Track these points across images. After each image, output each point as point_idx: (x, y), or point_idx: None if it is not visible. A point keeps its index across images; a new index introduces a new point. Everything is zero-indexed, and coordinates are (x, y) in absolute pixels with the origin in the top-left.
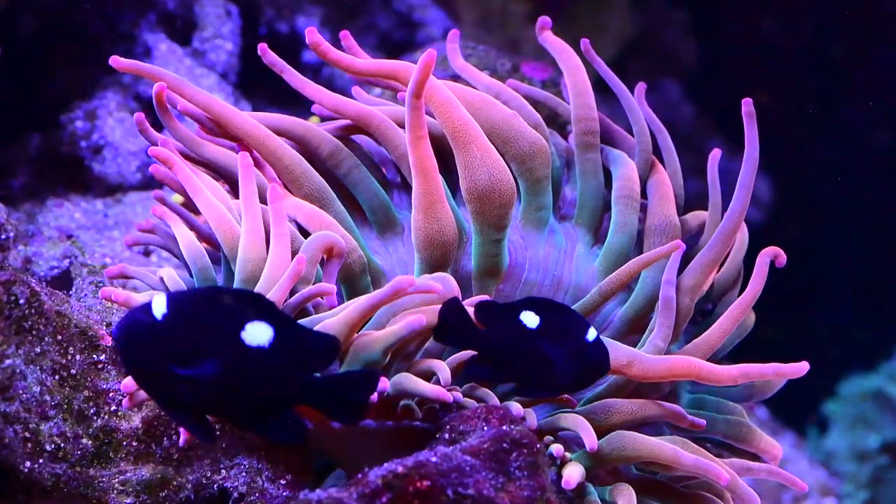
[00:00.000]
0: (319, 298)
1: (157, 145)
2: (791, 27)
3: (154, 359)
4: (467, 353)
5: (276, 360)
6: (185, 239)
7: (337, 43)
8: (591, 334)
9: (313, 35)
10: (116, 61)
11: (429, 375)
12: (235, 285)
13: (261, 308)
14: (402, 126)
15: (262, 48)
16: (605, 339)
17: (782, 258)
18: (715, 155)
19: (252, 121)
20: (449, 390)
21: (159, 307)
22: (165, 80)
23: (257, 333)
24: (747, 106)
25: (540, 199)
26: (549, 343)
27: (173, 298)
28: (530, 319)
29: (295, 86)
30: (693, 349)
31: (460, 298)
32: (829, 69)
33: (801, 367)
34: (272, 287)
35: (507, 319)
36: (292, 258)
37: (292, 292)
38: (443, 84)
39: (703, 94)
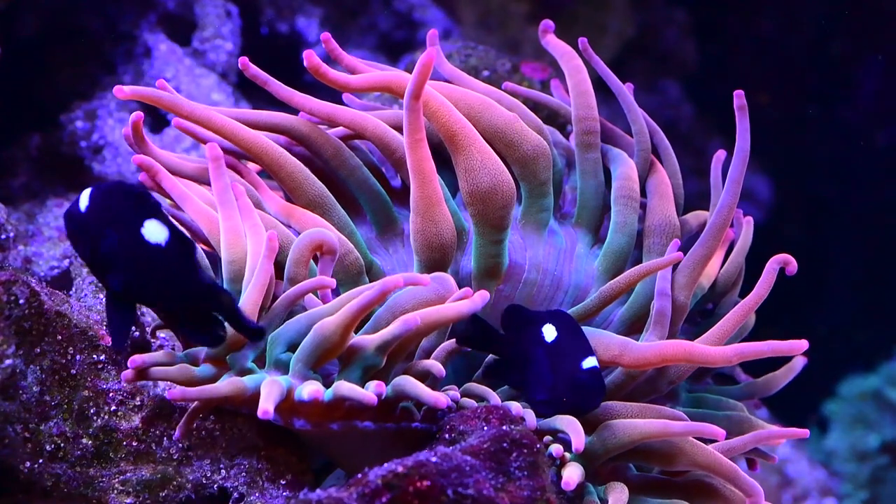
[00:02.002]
0: (312, 295)
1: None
2: (791, 27)
3: (82, 246)
4: (451, 344)
5: (171, 260)
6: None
7: (339, 43)
8: (589, 363)
9: (312, 59)
10: (120, 91)
11: (426, 376)
12: (224, 286)
13: (155, 210)
14: (396, 129)
15: (243, 62)
16: (596, 331)
17: (793, 266)
18: (719, 156)
19: (252, 132)
20: (447, 391)
21: (84, 200)
22: (162, 102)
23: (154, 231)
24: (739, 99)
25: (541, 201)
26: (554, 360)
27: (92, 193)
28: (549, 333)
29: (282, 97)
30: None
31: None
32: (829, 69)
33: (799, 345)
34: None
35: (529, 328)
36: (284, 260)
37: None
38: (440, 86)
39: (703, 94)
